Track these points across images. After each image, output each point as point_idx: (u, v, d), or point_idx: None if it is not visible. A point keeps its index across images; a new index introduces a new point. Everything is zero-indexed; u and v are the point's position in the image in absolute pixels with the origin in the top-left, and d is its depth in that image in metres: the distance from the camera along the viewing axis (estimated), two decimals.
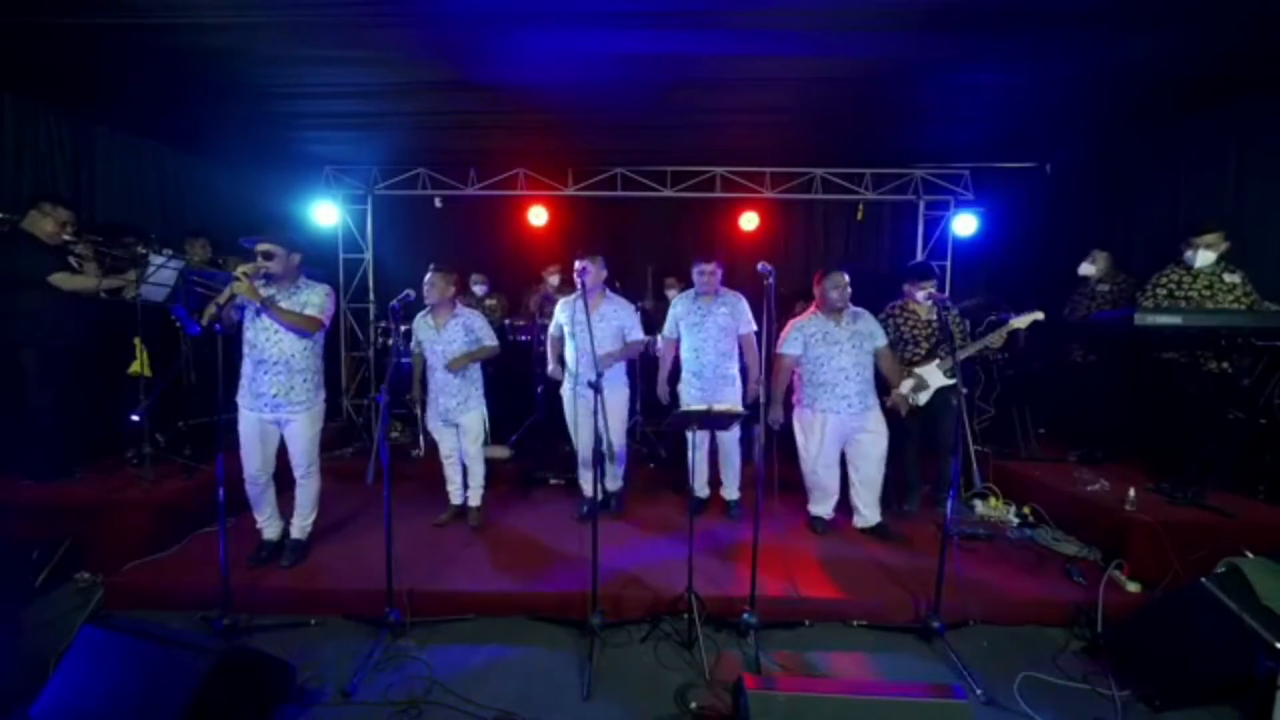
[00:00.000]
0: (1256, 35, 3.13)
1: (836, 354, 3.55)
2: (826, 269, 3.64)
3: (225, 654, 2.14)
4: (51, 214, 3.46)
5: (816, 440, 3.65)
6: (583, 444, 3.86)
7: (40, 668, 2.32)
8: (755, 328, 3.81)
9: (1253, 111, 3.94)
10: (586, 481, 4.02)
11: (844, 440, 3.66)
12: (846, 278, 3.59)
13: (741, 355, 3.93)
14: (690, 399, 3.81)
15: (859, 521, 3.78)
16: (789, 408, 3.80)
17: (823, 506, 3.83)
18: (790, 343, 3.65)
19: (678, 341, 3.97)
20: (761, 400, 2.98)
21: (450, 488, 3.97)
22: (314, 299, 3.13)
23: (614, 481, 4.09)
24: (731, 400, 3.68)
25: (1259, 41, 3.19)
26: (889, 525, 3.74)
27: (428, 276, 3.69)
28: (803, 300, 5.74)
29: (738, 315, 3.84)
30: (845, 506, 3.85)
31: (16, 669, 2.42)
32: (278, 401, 3.10)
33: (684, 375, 3.93)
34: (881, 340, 3.66)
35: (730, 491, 4.11)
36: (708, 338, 3.81)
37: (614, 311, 3.82)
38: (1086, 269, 4.44)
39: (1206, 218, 3.80)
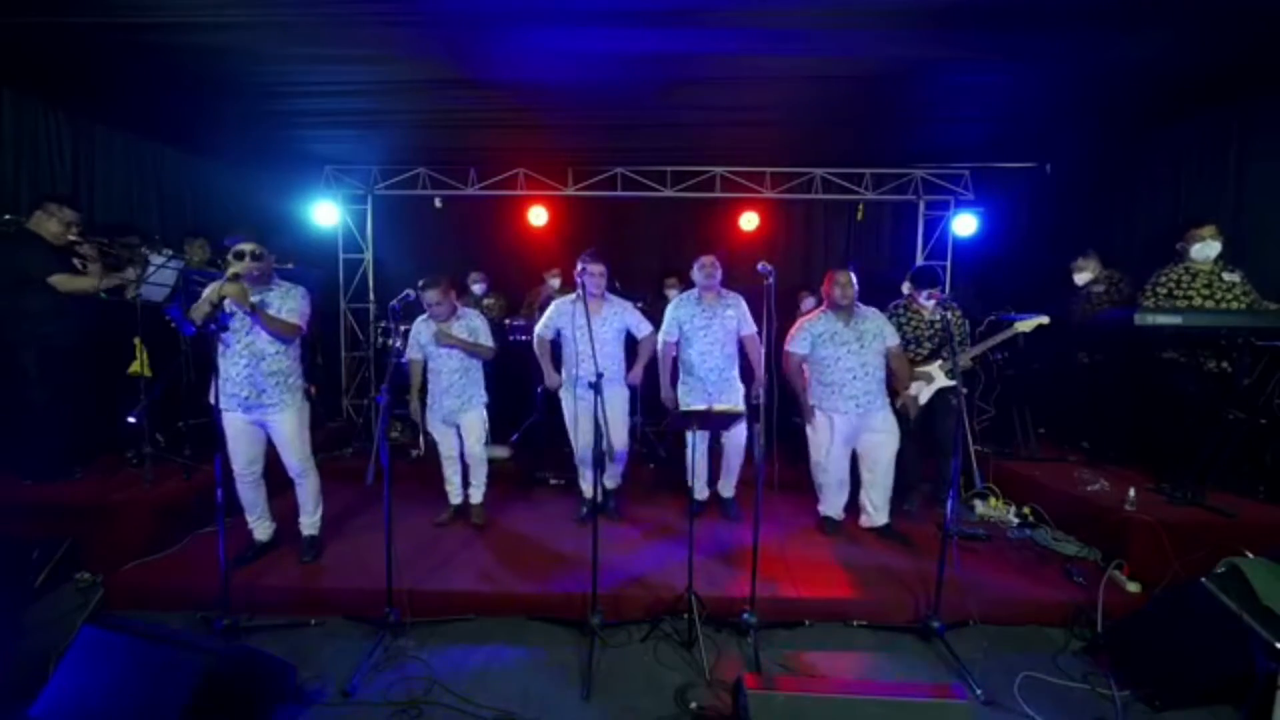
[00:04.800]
0: (1256, 35, 3.12)
1: (844, 354, 3.51)
2: (833, 267, 3.62)
3: (225, 654, 2.14)
4: (57, 214, 3.45)
5: (825, 440, 3.62)
6: (581, 444, 3.80)
7: (40, 668, 2.31)
8: (756, 329, 3.80)
9: (1253, 111, 3.94)
10: (586, 482, 3.98)
11: (853, 440, 3.63)
12: (851, 276, 3.54)
13: (744, 357, 3.90)
14: (694, 404, 3.75)
15: (865, 521, 3.77)
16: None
17: (833, 507, 3.80)
18: (798, 341, 3.63)
19: (677, 343, 3.88)
20: (763, 402, 2.97)
21: (449, 488, 3.97)
22: (290, 303, 3.12)
23: (613, 480, 4.05)
24: (734, 404, 3.64)
25: (1259, 41, 3.19)
26: (895, 526, 3.73)
27: (426, 295, 3.55)
28: (804, 291, 5.82)
29: (741, 317, 3.81)
30: (851, 506, 3.83)
31: (16, 669, 2.42)
32: (250, 403, 3.08)
33: (686, 380, 3.85)
34: (893, 339, 3.62)
35: (726, 489, 4.08)
36: (715, 341, 3.75)
37: (615, 314, 3.78)
38: (1080, 277, 4.44)
39: (1206, 214, 3.81)
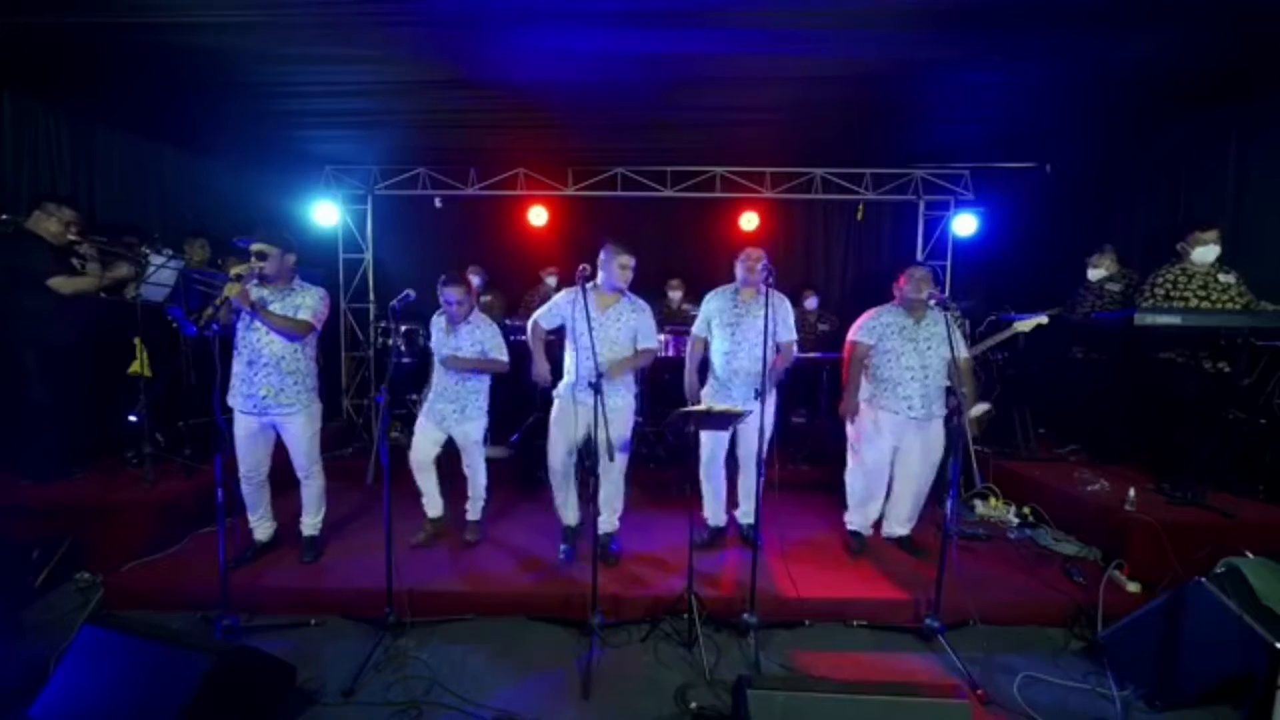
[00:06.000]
0: (1256, 35, 3.12)
1: (908, 351, 3.30)
2: (911, 265, 3.41)
3: (225, 654, 2.14)
4: (57, 214, 3.45)
5: (869, 440, 3.42)
6: (560, 449, 3.36)
7: (40, 668, 2.32)
8: (795, 336, 3.49)
9: (1253, 111, 3.94)
10: (566, 507, 3.54)
11: (897, 443, 3.41)
12: (929, 274, 3.34)
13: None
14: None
15: (886, 530, 3.64)
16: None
17: (863, 519, 3.60)
18: (864, 330, 3.41)
19: (706, 342, 3.56)
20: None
21: (424, 500, 3.65)
22: (307, 301, 3.09)
23: (608, 522, 3.44)
24: (753, 409, 3.05)
25: (1259, 41, 3.18)
26: (915, 539, 3.59)
27: (448, 291, 3.35)
28: (806, 289, 5.83)
29: (780, 319, 3.35)
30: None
31: (16, 669, 2.42)
32: (267, 403, 3.07)
33: (711, 381, 3.54)
34: (960, 351, 3.31)
35: (747, 515, 3.65)
36: (744, 340, 3.38)
37: (632, 312, 3.31)
38: (1095, 273, 4.41)
39: (1208, 215, 3.80)
